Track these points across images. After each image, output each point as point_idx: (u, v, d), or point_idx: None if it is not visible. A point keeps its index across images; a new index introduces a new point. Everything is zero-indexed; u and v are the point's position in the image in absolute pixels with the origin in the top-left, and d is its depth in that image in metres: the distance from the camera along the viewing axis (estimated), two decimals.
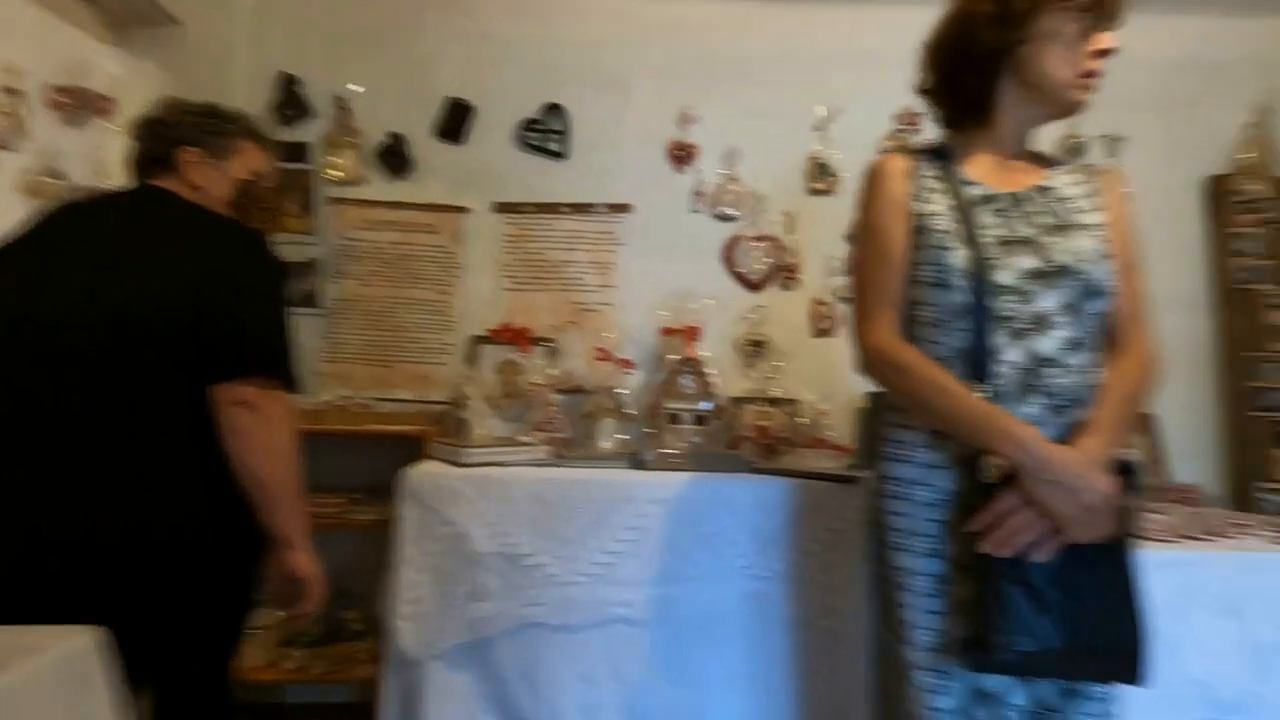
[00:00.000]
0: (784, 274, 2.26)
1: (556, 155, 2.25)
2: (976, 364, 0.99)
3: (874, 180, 1.12)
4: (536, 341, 2.14)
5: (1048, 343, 0.99)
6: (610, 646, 1.51)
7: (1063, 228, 1.04)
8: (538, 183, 2.25)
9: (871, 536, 1.15)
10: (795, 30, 2.31)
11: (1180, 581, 1.41)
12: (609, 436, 1.92)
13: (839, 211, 2.26)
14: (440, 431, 1.81)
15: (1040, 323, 0.99)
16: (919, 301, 1.05)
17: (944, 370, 1.00)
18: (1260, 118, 2.33)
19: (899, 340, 1.05)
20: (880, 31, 2.28)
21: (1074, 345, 1.01)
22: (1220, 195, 2.31)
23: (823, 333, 2.25)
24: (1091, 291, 1.02)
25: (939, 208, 1.05)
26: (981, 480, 0.96)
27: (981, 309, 0.98)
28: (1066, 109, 1.06)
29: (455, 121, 2.22)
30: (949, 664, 0.98)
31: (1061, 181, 1.11)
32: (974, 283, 0.99)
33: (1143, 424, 2.17)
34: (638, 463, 1.72)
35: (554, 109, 2.25)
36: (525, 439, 1.74)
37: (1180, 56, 2.36)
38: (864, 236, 1.11)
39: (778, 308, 2.24)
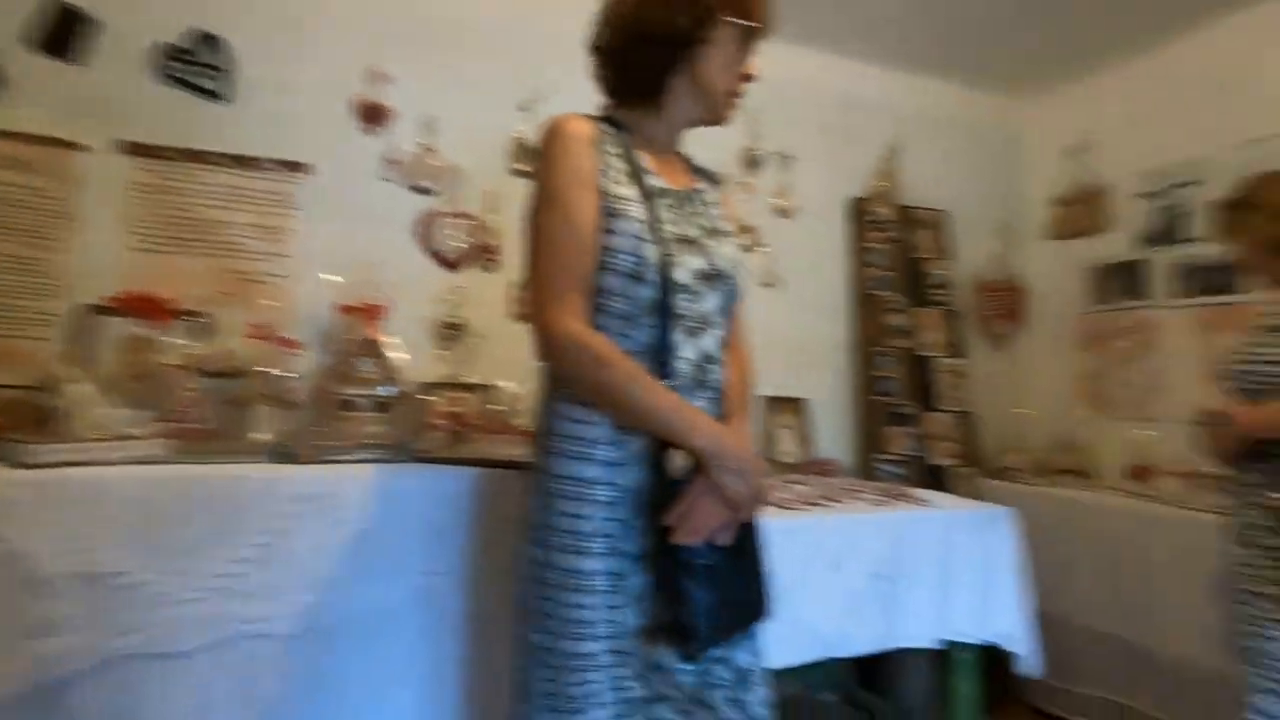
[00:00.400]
0: (484, 255, 2.18)
1: (212, 95, 1.90)
2: (661, 360, 0.99)
3: (560, 143, 0.99)
4: (178, 315, 1.78)
5: (709, 341, 1.05)
6: (240, 668, 1.30)
7: (714, 232, 1.09)
8: (186, 125, 1.88)
9: (536, 538, 1.02)
10: (509, 1, 2.24)
11: (804, 543, 1.62)
12: (265, 427, 1.68)
13: None
14: (10, 423, 1.41)
15: (704, 322, 1.04)
16: (610, 292, 0.98)
17: (638, 365, 0.98)
18: (891, 153, 2.82)
19: (592, 330, 0.98)
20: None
21: (723, 344, 1.09)
22: (860, 215, 2.75)
23: (524, 318, 2.22)
24: (736, 295, 1.10)
25: (630, 194, 1.00)
26: (670, 474, 0.98)
27: (665, 306, 0.99)
28: (715, 119, 1.09)
29: (63, 32, 1.76)
30: (629, 650, 0.99)
31: (704, 186, 1.16)
32: (661, 279, 0.99)
33: (795, 407, 2.51)
34: (285, 456, 1.52)
35: (209, 39, 1.90)
36: (135, 432, 1.43)
37: (841, 91, 2.76)
38: (551, 206, 0.98)
39: (476, 289, 2.16)
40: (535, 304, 0.98)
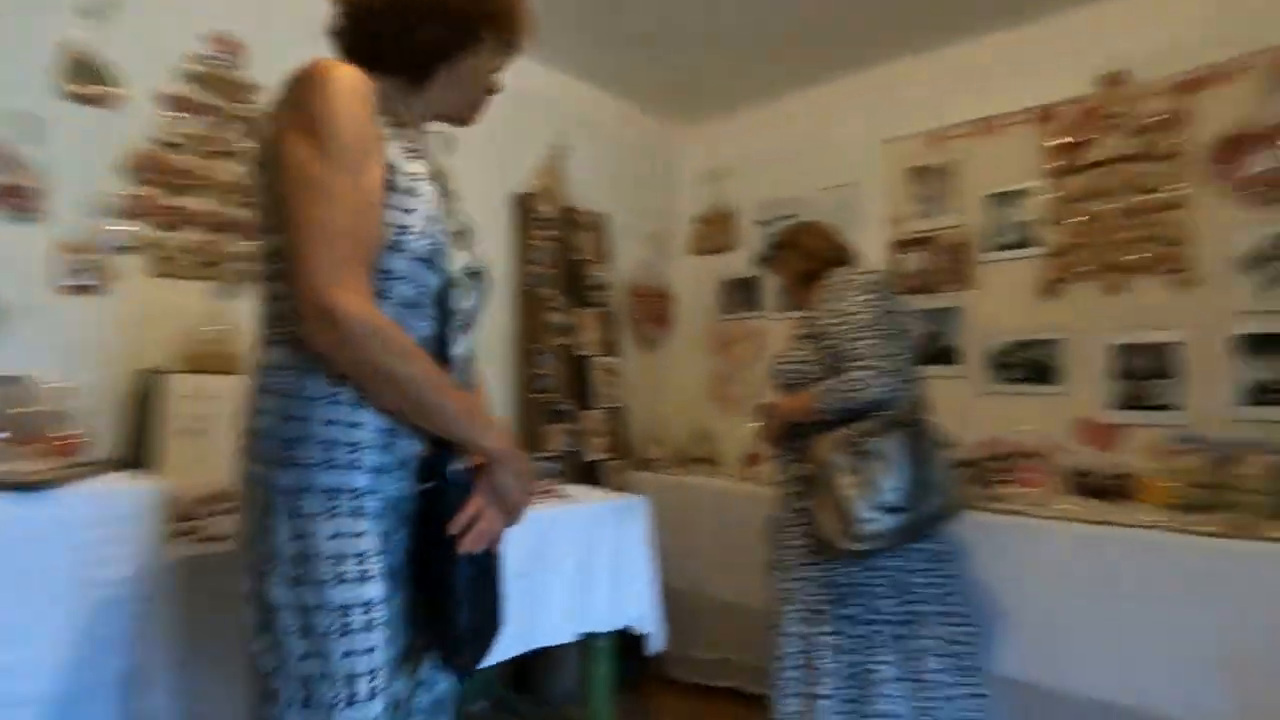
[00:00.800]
0: (11, 199, 1.60)
1: None
2: (441, 356, 0.91)
3: (348, 92, 0.84)
4: None
5: (471, 340, 1.01)
6: None
7: (467, 231, 1.03)
8: None
9: (293, 577, 0.82)
10: None
11: None
12: None
13: (115, 133, 1.74)
14: None
15: (469, 319, 0.99)
16: (396, 276, 0.87)
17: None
18: (556, 154, 2.85)
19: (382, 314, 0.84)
20: None
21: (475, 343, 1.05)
22: (524, 210, 2.72)
23: (81, 289, 1.68)
24: (489, 296, 1.05)
25: (419, 170, 0.90)
26: (454, 479, 0.89)
27: (447, 297, 0.93)
28: (463, 120, 1.04)
29: None
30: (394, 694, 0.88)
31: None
32: (446, 267, 0.92)
33: None
34: None
35: None
36: None
37: (509, 85, 2.69)
38: (340, 164, 0.82)
39: None
40: (313, 276, 0.80)
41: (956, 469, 1.74)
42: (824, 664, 1.65)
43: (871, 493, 1.55)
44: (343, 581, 0.81)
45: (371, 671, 0.82)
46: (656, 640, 1.92)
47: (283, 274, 0.84)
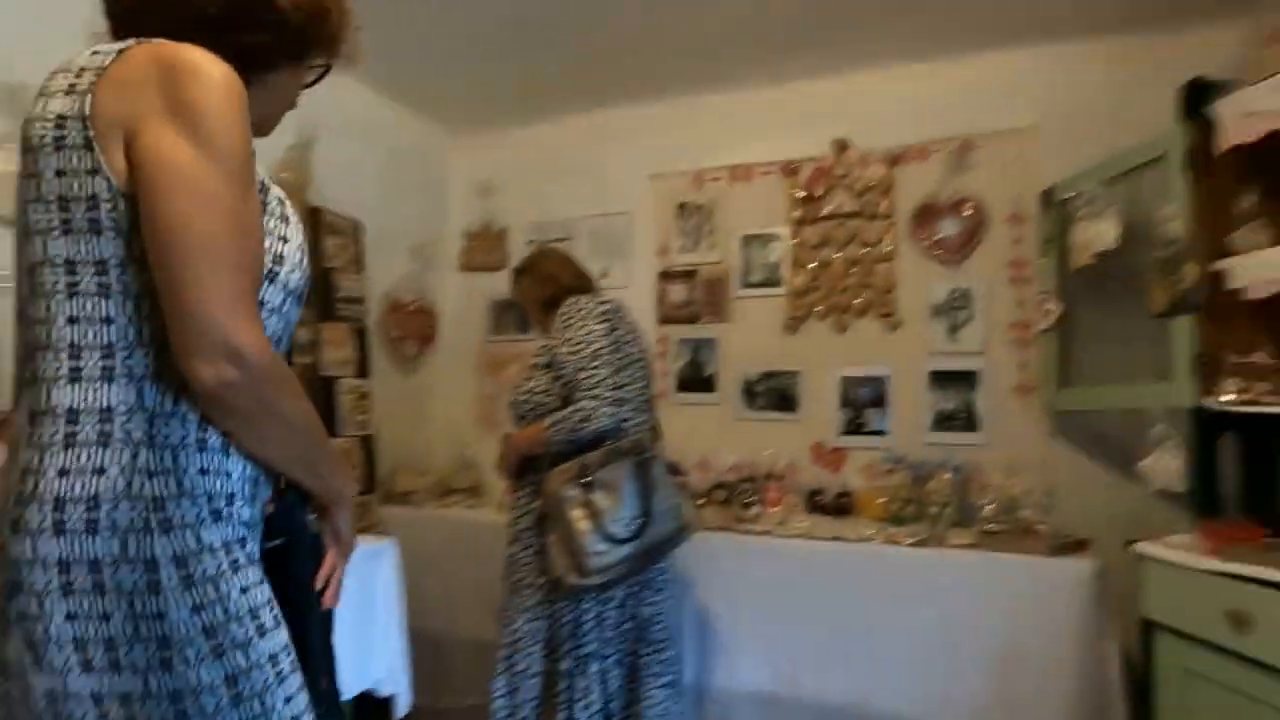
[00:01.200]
0: None
1: None
2: None
3: (226, 89, 0.73)
4: None
5: None
6: None
7: None
8: None
9: (218, 648, 0.70)
10: None
11: None
12: None
13: None
14: None
15: None
16: (269, 308, 0.78)
17: None
18: (302, 143, 2.50)
19: None
20: None
21: None
22: None
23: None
24: None
25: (284, 195, 0.84)
26: (311, 529, 0.87)
27: (294, 333, 0.87)
28: (262, 132, 0.92)
29: None
30: None
31: None
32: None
33: None
34: None
35: None
36: None
37: None
38: (234, 178, 0.71)
39: None
40: (211, 305, 0.68)
41: (684, 495, 1.81)
42: (575, 697, 1.64)
43: (601, 524, 1.56)
44: (265, 633, 0.75)
45: (309, 704, 0.79)
46: (404, 700, 1.72)
47: (108, 290, 0.70)
